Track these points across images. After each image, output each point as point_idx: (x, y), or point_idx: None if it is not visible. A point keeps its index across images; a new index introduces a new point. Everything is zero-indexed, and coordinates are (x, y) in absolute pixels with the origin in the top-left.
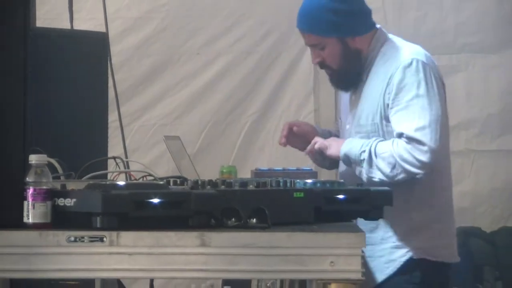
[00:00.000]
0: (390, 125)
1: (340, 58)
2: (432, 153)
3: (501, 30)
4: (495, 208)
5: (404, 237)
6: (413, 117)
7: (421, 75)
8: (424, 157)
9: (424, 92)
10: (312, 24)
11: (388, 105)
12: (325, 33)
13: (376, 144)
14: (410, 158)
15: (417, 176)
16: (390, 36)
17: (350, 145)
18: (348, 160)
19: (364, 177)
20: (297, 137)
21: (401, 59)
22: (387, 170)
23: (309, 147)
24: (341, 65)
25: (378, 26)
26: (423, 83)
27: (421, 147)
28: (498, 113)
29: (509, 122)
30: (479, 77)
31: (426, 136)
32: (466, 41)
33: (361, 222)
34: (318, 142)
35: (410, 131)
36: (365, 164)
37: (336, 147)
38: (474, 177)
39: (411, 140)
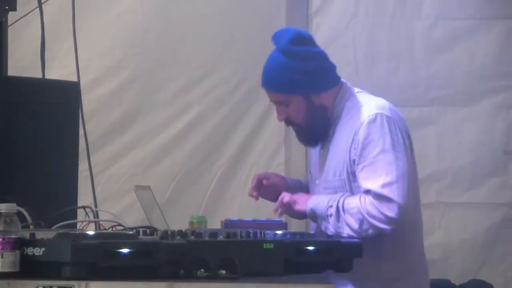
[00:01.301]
0: (357, 181)
1: (305, 114)
2: (399, 209)
3: (471, 83)
4: (465, 261)
5: None
6: (380, 173)
7: (386, 129)
8: (392, 213)
9: (389, 147)
10: (275, 83)
11: (354, 161)
12: (288, 91)
13: (344, 199)
14: (378, 215)
15: (385, 232)
16: (356, 90)
17: (317, 201)
18: (314, 215)
19: (331, 232)
20: (267, 189)
21: (365, 114)
22: (355, 226)
23: (277, 204)
24: (307, 121)
25: (343, 80)
26: (388, 138)
27: (388, 204)
28: (469, 166)
29: (479, 175)
30: (450, 130)
31: (393, 192)
32: (437, 94)
33: (334, 277)
34: (285, 197)
35: (377, 188)
36: (332, 220)
37: (304, 202)
38: (444, 229)
39: (378, 196)
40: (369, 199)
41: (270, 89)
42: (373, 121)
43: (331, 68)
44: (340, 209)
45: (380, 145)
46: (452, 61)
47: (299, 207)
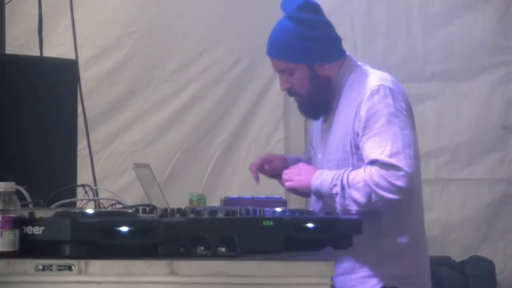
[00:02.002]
0: (360, 153)
1: (308, 84)
2: (408, 178)
3: (470, 58)
4: (465, 237)
5: (377, 265)
6: (386, 143)
7: (390, 100)
8: (401, 182)
9: (393, 117)
10: (281, 50)
11: (357, 133)
12: (293, 59)
13: (348, 174)
14: (387, 184)
15: (394, 202)
16: (359, 63)
17: (320, 179)
18: (320, 194)
19: (339, 209)
20: (269, 173)
21: (368, 86)
22: (363, 200)
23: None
24: (310, 92)
25: (347, 54)
26: (392, 108)
27: (396, 172)
28: (468, 142)
29: (479, 151)
30: (449, 106)
31: (401, 161)
32: (435, 69)
33: (332, 251)
34: (287, 182)
35: (384, 157)
36: (338, 198)
37: (307, 182)
38: (444, 206)
39: (385, 166)
40: (375, 169)
41: (275, 56)
42: (376, 92)
43: (337, 39)
44: (345, 185)
45: (384, 115)
46: (450, 35)
47: (302, 189)
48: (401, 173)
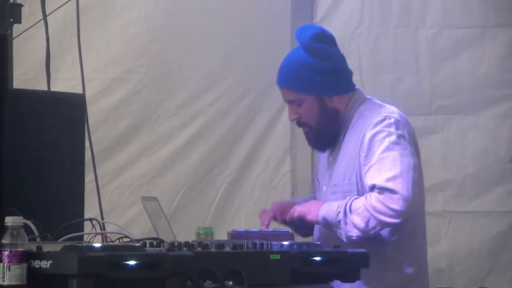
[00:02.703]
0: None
1: (317, 116)
2: (404, 201)
3: (476, 92)
4: (472, 269)
5: None
6: (385, 169)
7: (392, 129)
8: (397, 206)
9: (394, 144)
10: (291, 80)
11: (361, 164)
12: (303, 90)
13: (351, 202)
14: (384, 209)
15: (393, 226)
16: (369, 98)
17: (328, 208)
18: (327, 223)
19: (344, 237)
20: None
21: (374, 117)
22: (361, 224)
23: (288, 217)
24: (318, 123)
25: (358, 87)
26: (394, 137)
27: (393, 195)
28: (475, 174)
29: (485, 183)
30: (455, 138)
31: (397, 185)
32: (442, 103)
33: (339, 284)
34: (296, 210)
35: (381, 182)
36: (342, 225)
37: (315, 211)
38: (451, 238)
39: (383, 190)
40: (374, 194)
41: (285, 86)
42: (380, 122)
43: (348, 72)
44: (347, 211)
45: (385, 143)
46: (457, 70)
47: (310, 217)
48: (397, 196)
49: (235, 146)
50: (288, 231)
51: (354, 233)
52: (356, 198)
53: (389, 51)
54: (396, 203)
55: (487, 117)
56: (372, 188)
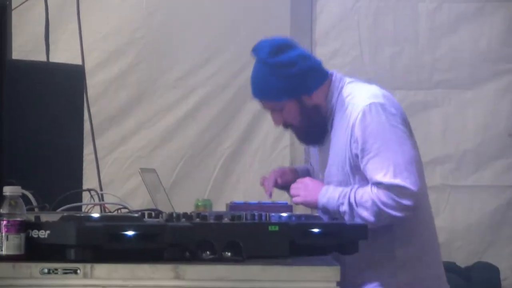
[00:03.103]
0: (360, 173)
1: (300, 116)
2: (414, 196)
3: (476, 66)
4: (471, 243)
5: (391, 275)
6: (388, 163)
7: (383, 118)
8: (408, 201)
9: (391, 135)
10: (264, 92)
11: (356, 155)
12: (279, 98)
13: (355, 192)
14: (394, 204)
15: (402, 219)
16: (346, 80)
17: (327, 196)
18: (327, 211)
19: None
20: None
21: (360, 105)
22: (371, 218)
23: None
24: (303, 122)
25: (331, 72)
26: (387, 126)
27: (403, 191)
28: (474, 149)
29: (484, 158)
30: (455, 113)
31: (406, 180)
32: (442, 77)
33: (346, 265)
34: (295, 198)
35: (388, 179)
36: (346, 216)
37: (313, 197)
38: (450, 212)
39: (390, 187)
40: (382, 191)
41: (259, 98)
42: (368, 112)
43: (316, 66)
44: (353, 204)
45: (380, 135)
46: (456, 44)
47: (309, 205)
48: (408, 192)
49: (234, 119)
50: (287, 203)
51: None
52: (359, 188)
53: (389, 25)
54: (407, 199)
55: (487, 92)
56: (378, 184)
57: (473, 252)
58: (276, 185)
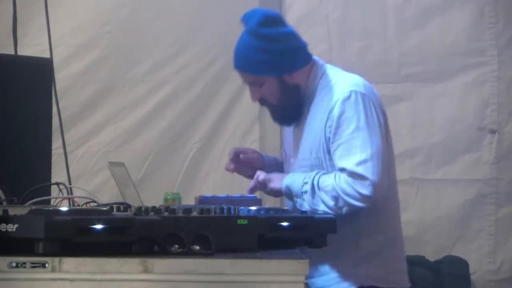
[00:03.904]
0: (332, 159)
1: (279, 94)
2: (374, 187)
3: (444, 60)
4: (439, 237)
5: (353, 266)
6: (355, 151)
7: (361, 107)
8: (366, 191)
9: (364, 124)
10: (247, 64)
11: (329, 138)
12: (260, 72)
13: (319, 176)
14: (353, 192)
15: (359, 209)
16: (328, 67)
17: (293, 178)
18: (289, 192)
19: (307, 209)
20: (243, 164)
21: (340, 91)
22: (330, 203)
23: (252, 182)
24: (281, 101)
25: (315, 58)
26: (362, 115)
27: (363, 181)
28: (442, 142)
29: (453, 151)
30: (423, 106)
31: (367, 170)
32: (410, 71)
33: (311, 253)
34: (261, 175)
35: (351, 166)
36: (307, 196)
37: (279, 181)
38: (419, 206)
39: (352, 174)
40: (343, 177)
41: (241, 70)
42: (347, 98)
43: (301, 46)
44: (315, 186)
45: (354, 122)
46: (425, 38)
47: (273, 184)
48: (367, 182)
49: (203, 113)
50: (256, 197)
51: (321, 207)
52: (323, 174)
53: (358, 19)
54: (366, 189)
55: (455, 85)
56: (342, 170)
57: (442, 246)
58: (238, 161)
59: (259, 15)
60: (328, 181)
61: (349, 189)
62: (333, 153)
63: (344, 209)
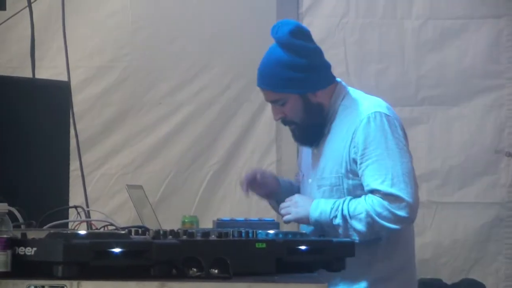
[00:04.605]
0: (356, 179)
1: (302, 113)
2: (410, 208)
3: (462, 83)
4: (456, 260)
5: None
6: (386, 172)
7: (387, 127)
8: (403, 212)
9: (392, 145)
10: (272, 82)
11: (354, 160)
12: (285, 89)
13: (348, 204)
14: (389, 215)
15: (397, 231)
16: (351, 89)
17: (319, 210)
18: (320, 226)
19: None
20: (259, 185)
21: (364, 112)
22: (364, 230)
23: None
24: (304, 120)
25: (338, 79)
26: (390, 136)
27: (399, 203)
28: (460, 165)
29: (470, 174)
30: (441, 129)
31: (402, 191)
32: (427, 94)
33: (325, 275)
34: (286, 215)
35: (385, 188)
36: (341, 230)
37: (304, 213)
38: (436, 229)
39: (387, 196)
40: (377, 200)
41: (266, 87)
42: (373, 119)
43: (328, 66)
44: (347, 216)
45: (382, 143)
46: (442, 61)
47: (301, 221)
48: (404, 203)
49: (220, 135)
50: (274, 220)
51: (356, 237)
52: (352, 199)
53: (375, 42)
54: (402, 210)
55: (472, 108)
56: (373, 191)
57: (459, 269)
58: (254, 184)
59: (291, 25)
60: (360, 207)
61: (385, 212)
62: (361, 174)
63: (381, 234)
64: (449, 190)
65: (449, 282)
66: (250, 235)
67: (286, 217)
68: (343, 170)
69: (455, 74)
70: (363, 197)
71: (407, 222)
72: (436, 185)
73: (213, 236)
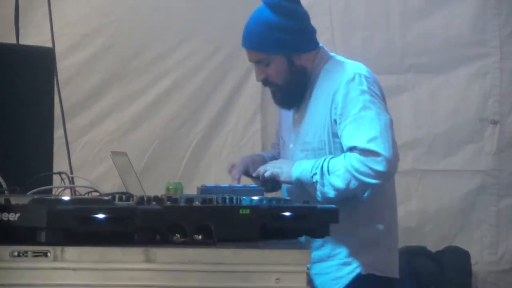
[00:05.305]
0: (338, 141)
1: (285, 74)
2: (387, 162)
3: (447, 51)
4: (441, 228)
5: (352, 254)
6: (364, 129)
7: (365, 87)
8: (380, 167)
9: (370, 103)
10: (259, 42)
11: (335, 121)
12: (271, 50)
13: (328, 162)
14: (367, 170)
15: (375, 186)
16: (333, 54)
17: (301, 168)
18: (301, 183)
19: (319, 197)
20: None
21: (344, 75)
22: (341, 185)
23: (256, 173)
24: (286, 81)
25: (321, 45)
26: (367, 95)
27: (376, 158)
28: (445, 133)
29: (455, 142)
30: (426, 97)
31: (379, 146)
32: (413, 62)
33: (308, 239)
34: (268, 170)
35: (362, 143)
36: (318, 186)
37: (287, 171)
38: (421, 197)
39: (364, 152)
40: (355, 156)
41: (252, 48)
42: (351, 80)
43: (314, 30)
44: (325, 172)
45: (360, 102)
46: (428, 29)
47: (283, 178)
48: (380, 158)
49: (206, 103)
50: (258, 187)
51: (332, 193)
52: (332, 158)
53: (361, 9)
54: (379, 165)
55: (458, 77)
56: (352, 149)
57: (444, 237)
58: (247, 174)
59: None
60: (338, 164)
61: (362, 168)
62: (340, 134)
63: (359, 190)
64: (434, 158)
65: (433, 250)
66: (234, 201)
67: (266, 173)
68: (326, 133)
69: (441, 42)
70: (342, 155)
71: (386, 176)
72: (421, 153)
73: (197, 202)
